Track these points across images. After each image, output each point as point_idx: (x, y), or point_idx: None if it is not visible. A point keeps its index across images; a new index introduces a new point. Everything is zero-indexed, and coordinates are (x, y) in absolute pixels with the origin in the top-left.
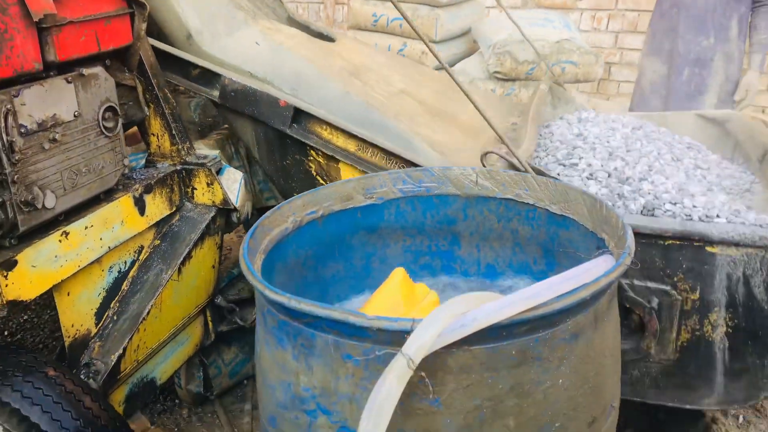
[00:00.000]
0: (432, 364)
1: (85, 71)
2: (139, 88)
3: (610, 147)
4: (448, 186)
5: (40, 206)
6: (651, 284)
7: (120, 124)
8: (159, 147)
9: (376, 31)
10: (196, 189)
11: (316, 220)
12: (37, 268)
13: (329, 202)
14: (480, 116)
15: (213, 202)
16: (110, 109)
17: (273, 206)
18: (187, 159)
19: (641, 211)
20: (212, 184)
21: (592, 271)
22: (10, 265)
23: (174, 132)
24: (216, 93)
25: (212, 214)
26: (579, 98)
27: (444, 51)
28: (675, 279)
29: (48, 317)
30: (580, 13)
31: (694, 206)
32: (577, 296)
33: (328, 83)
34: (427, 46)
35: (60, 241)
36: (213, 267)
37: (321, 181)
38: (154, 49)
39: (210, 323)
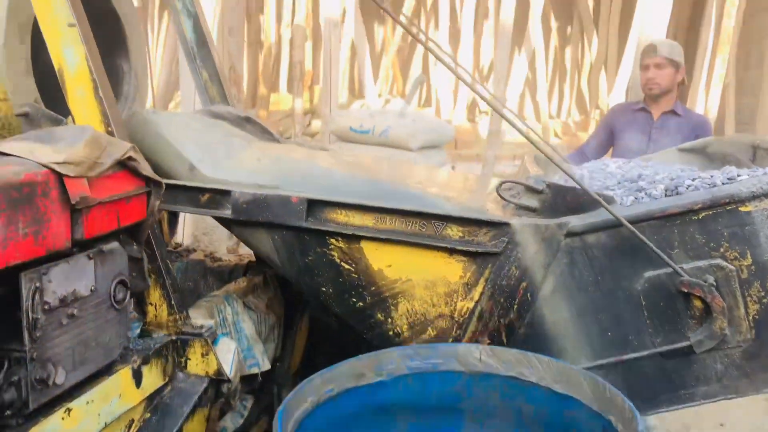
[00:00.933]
0: None
1: (105, 247)
2: (144, 260)
3: (608, 173)
4: (453, 363)
5: (51, 383)
6: (701, 263)
7: (128, 297)
8: (156, 317)
9: None
10: (190, 359)
11: (331, 398)
12: None
13: (344, 380)
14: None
15: (206, 372)
16: (121, 282)
17: (255, 374)
18: (183, 329)
19: (665, 194)
20: (207, 355)
21: None
22: None
23: (173, 302)
24: (228, 211)
25: (204, 385)
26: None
27: None
28: (722, 250)
29: None
30: None
31: (712, 176)
32: None
33: (333, 172)
34: (475, 91)
35: (63, 418)
36: None
37: (346, 267)
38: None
39: None
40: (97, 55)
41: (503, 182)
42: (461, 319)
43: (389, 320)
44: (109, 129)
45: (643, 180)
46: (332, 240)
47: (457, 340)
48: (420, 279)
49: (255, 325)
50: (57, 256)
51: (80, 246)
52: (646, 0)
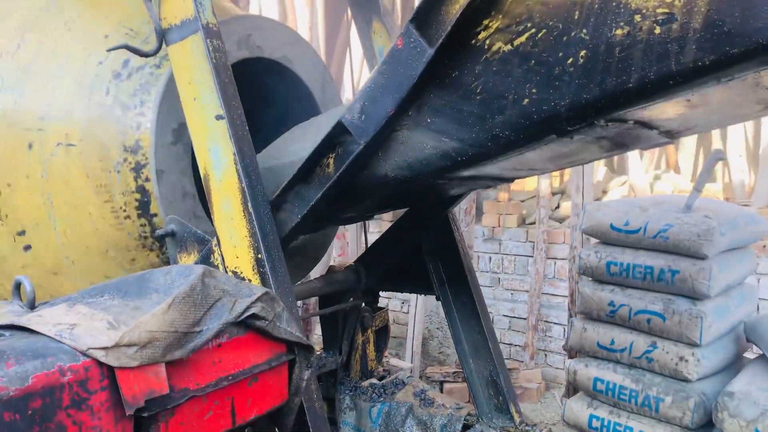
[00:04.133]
0: None
1: None
2: None
3: None
4: None
5: None
6: None
7: None
8: None
9: (614, 323)
10: None
11: None
12: None
13: None
14: None
15: None
16: None
17: None
18: None
19: None
20: None
21: None
22: None
23: None
24: (356, 144)
25: None
26: None
27: (705, 361)
28: None
29: None
30: None
31: None
32: None
33: None
34: None
35: None
36: None
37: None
38: None
39: None
40: (253, 157)
41: None
42: None
43: None
44: (259, 257)
45: None
46: (485, 20)
47: None
48: None
49: None
50: None
51: None
52: None
